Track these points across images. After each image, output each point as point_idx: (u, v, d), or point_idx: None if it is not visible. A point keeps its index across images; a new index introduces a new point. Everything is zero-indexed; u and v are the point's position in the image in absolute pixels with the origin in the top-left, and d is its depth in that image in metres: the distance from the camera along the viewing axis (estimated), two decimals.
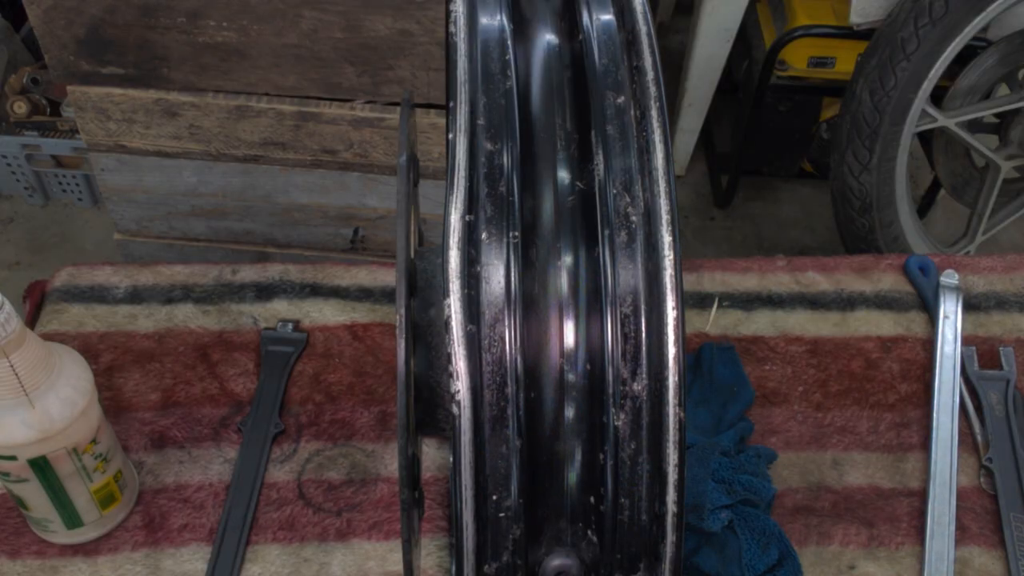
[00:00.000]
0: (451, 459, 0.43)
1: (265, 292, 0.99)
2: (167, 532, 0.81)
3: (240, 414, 0.90)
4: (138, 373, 0.92)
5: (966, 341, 0.98)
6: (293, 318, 0.97)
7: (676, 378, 0.42)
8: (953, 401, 0.92)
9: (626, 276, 0.42)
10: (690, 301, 1.02)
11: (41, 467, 0.70)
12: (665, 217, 0.43)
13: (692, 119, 2.21)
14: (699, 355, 0.96)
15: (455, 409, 0.42)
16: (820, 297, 1.03)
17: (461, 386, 0.42)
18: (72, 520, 0.76)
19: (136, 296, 0.98)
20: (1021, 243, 2.20)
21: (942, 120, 1.72)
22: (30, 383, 0.66)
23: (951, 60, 1.63)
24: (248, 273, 1.01)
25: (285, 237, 1.52)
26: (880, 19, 1.71)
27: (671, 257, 0.42)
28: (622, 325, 0.42)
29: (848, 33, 1.81)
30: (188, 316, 0.97)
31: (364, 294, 1.00)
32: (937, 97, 1.72)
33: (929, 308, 1.01)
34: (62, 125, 2.02)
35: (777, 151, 2.22)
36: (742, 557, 0.78)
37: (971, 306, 1.03)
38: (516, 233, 0.43)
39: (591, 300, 0.44)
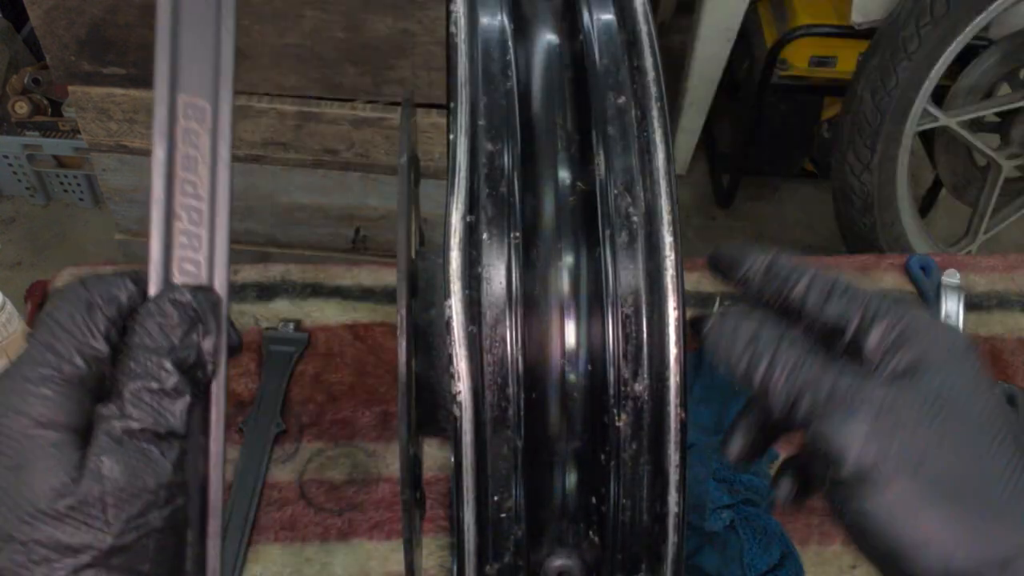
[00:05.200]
0: (452, 460, 0.43)
1: (266, 292, 0.99)
2: None
3: (241, 414, 0.90)
4: None
5: None
6: (294, 318, 0.97)
7: (677, 378, 0.42)
8: None
9: (627, 276, 0.42)
10: (691, 301, 1.02)
11: None
12: (666, 217, 0.42)
13: (693, 119, 2.21)
14: (700, 354, 0.96)
15: (456, 410, 0.42)
16: None
17: (462, 387, 0.42)
18: None
19: None
20: (1023, 242, 2.20)
21: (943, 119, 1.72)
22: None
23: (952, 59, 1.63)
24: (249, 273, 1.01)
25: (286, 237, 1.52)
26: (881, 18, 1.71)
27: (672, 257, 0.42)
28: (623, 325, 0.42)
29: (849, 32, 1.81)
30: None
31: (365, 294, 1.00)
32: (938, 96, 1.72)
33: (930, 308, 1.01)
34: (63, 125, 2.02)
35: (778, 151, 2.22)
36: (743, 557, 0.78)
37: (973, 306, 1.02)
38: (517, 233, 0.43)
39: (592, 300, 0.44)
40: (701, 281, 1.04)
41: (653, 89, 0.45)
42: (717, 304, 1.01)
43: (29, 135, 2.03)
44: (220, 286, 0.39)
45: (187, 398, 0.36)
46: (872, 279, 1.05)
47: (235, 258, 1.48)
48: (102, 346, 0.36)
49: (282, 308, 0.98)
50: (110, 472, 0.33)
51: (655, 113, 0.45)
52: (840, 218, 1.83)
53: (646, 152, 0.44)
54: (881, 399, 0.36)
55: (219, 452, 0.38)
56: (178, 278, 0.39)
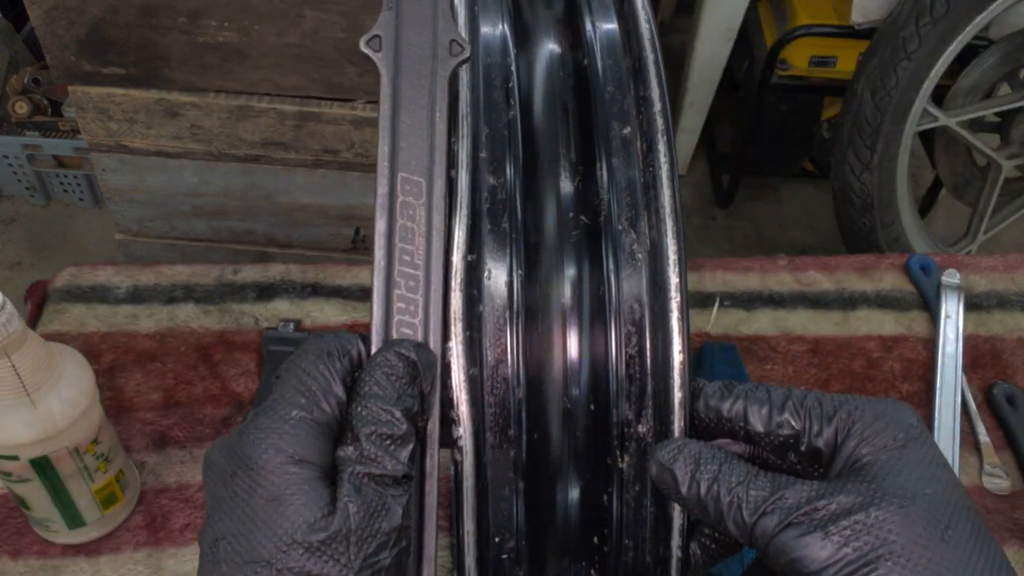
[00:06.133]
0: (453, 504, 0.42)
1: (266, 292, 0.99)
2: (169, 532, 0.81)
3: (241, 414, 0.90)
4: (139, 373, 0.92)
5: (967, 341, 0.98)
6: (294, 318, 0.97)
7: (682, 423, 0.41)
8: (955, 400, 0.92)
9: (631, 317, 0.41)
10: (691, 301, 1.02)
11: (43, 467, 0.70)
12: (672, 258, 0.41)
13: (693, 119, 2.21)
14: (700, 355, 0.96)
15: (457, 455, 0.41)
16: (821, 296, 1.03)
17: (464, 431, 0.41)
18: (74, 520, 0.76)
19: (137, 296, 0.98)
20: (1023, 242, 2.20)
21: (943, 119, 1.72)
22: (32, 383, 0.66)
23: (952, 59, 1.63)
24: (249, 273, 1.01)
25: (286, 237, 1.52)
26: (881, 18, 1.71)
27: (678, 299, 0.41)
28: (627, 366, 0.41)
29: (849, 32, 1.81)
30: (189, 316, 0.97)
31: (365, 294, 1.00)
32: (938, 96, 1.72)
33: (930, 308, 1.01)
34: (63, 125, 2.02)
35: (778, 151, 2.22)
36: (744, 556, 0.78)
37: (973, 305, 1.02)
38: (520, 271, 0.42)
39: (595, 340, 0.43)
40: (702, 280, 1.04)
41: (660, 122, 0.44)
42: (717, 304, 1.01)
43: (29, 135, 2.03)
44: (434, 346, 0.42)
45: (412, 445, 0.38)
46: (872, 279, 1.05)
47: (235, 258, 1.47)
48: (342, 392, 0.39)
49: (282, 308, 0.98)
50: (355, 513, 0.36)
51: (662, 148, 0.43)
52: (840, 218, 1.83)
53: (652, 188, 0.43)
54: (836, 507, 0.36)
55: (433, 506, 0.41)
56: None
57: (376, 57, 0.43)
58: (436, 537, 0.41)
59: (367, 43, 0.43)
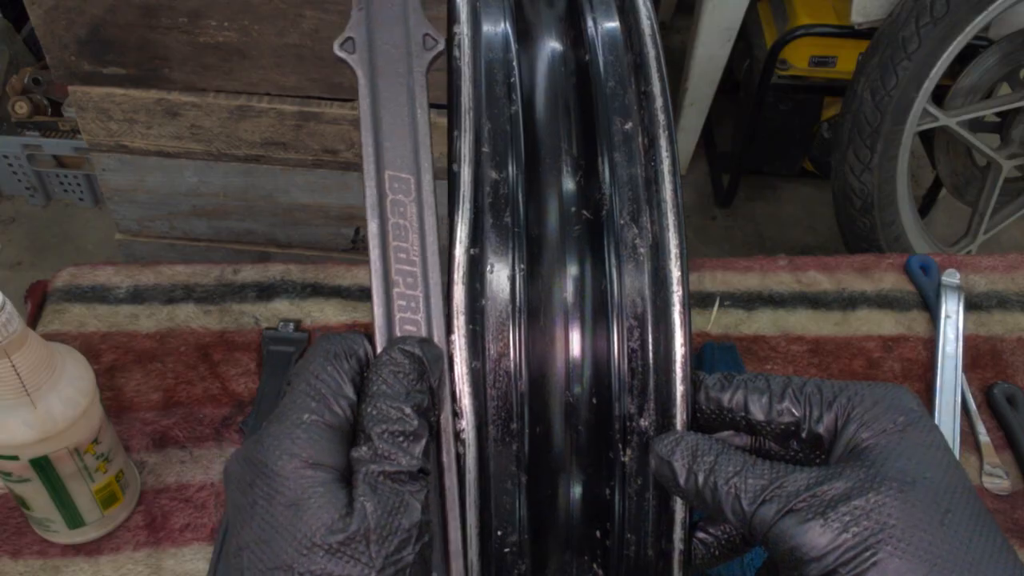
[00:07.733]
0: (456, 495, 0.42)
1: (266, 292, 0.99)
2: (169, 532, 0.81)
3: (242, 414, 0.90)
4: (140, 373, 0.92)
5: (967, 341, 0.98)
6: (294, 318, 0.97)
7: (684, 416, 0.41)
8: (955, 401, 0.92)
9: (633, 311, 0.41)
10: (691, 301, 1.02)
11: (43, 467, 0.70)
12: (674, 252, 0.41)
13: (693, 119, 2.21)
14: (701, 355, 0.96)
15: (460, 448, 0.41)
16: (821, 296, 1.03)
17: (466, 424, 0.41)
18: (74, 520, 0.76)
19: (137, 296, 0.98)
20: (1023, 242, 2.20)
21: (943, 119, 1.72)
22: (32, 383, 0.66)
23: (952, 59, 1.63)
24: (249, 273, 1.01)
25: (286, 237, 1.52)
26: (881, 18, 1.71)
27: (680, 293, 0.41)
28: (629, 360, 0.41)
29: (849, 32, 1.81)
30: (189, 316, 0.97)
31: (365, 294, 1.00)
32: (938, 96, 1.72)
33: (930, 308, 1.01)
34: (63, 125, 2.02)
35: (778, 150, 2.22)
36: (743, 556, 0.78)
37: (973, 305, 1.02)
38: (522, 265, 0.42)
39: (597, 334, 0.43)
40: (702, 280, 1.04)
41: (661, 117, 0.44)
42: (717, 304, 1.01)
43: (29, 135, 2.03)
44: (438, 340, 0.42)
45: (425, 439, 0.39)
46: (872, 279, 1.05)
47: (235, 258, 1.47)
48: (352, 394, 0.39)
49: (282, 308, 0.98)
50: (372, 512, 0.36)
51: (663, 142, 0.43)
52: (840, 218, 1.83)
53: (654, 183, 0.43)
54: (835, 493, 0.36)
55: (455, 499, 0.41)
56: None
57: (351, 59, 0.43)
58: (462, 531, 0.41)
59: (341, 46, 0.42)
